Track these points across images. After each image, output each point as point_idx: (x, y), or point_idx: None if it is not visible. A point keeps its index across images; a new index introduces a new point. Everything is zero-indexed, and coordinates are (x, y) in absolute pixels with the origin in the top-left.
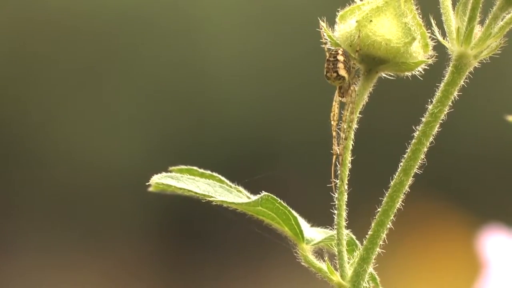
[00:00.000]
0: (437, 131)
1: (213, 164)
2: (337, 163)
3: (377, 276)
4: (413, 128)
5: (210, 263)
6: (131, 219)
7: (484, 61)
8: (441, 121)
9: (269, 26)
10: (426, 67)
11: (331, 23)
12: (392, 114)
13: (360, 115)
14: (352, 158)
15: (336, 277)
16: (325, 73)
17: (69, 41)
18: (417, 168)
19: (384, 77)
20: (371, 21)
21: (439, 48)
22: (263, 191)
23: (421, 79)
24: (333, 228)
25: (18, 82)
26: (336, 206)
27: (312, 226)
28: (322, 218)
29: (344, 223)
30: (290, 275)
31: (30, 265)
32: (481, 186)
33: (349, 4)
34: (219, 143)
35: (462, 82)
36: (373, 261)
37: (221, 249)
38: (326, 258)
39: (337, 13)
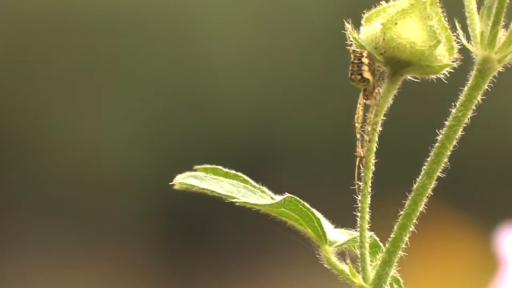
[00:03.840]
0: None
1: (213, 162)
2: (360, 165)
3: (400, 279)
4: (437, 131)
5: (211, 263)
6: (132, 219)
7: (508, 64)
8: (464, 125)
9: (271, 24)
10: (451, 70)
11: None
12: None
13: (384, 118)
14: (375, 160)
15: (358, 280)
16: (349, 75)
17: (68, 38)
18: (440, 172)
19: (409, 79)
20: (396, 23)
21: (465, 51)
22: (286, 193)
23: (446, 82)
24: (356, 229)
25: (16, 80)
26: (359, 208)
27: (336, 227)
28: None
29: (366, 226)
30: (290, 275)
31: (30, 265)
32: (484, 187)
33: (375, 6)
34: (219, 141)
35: (486, 86)
36: (395, 264)
37: (222, 249)
38: (348, 261)
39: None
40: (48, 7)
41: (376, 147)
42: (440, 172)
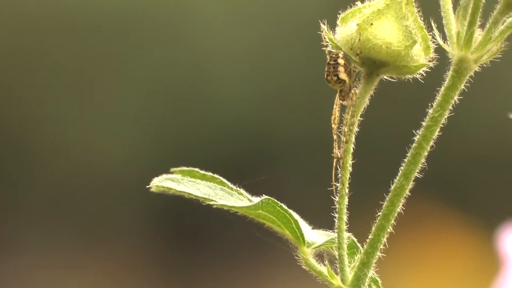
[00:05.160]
0: (436, 133)
1: (211, 162)
2: (338, 166)
3: (378, 279)
4: (414, 132)
5: (210, 263)
6: (131, 219)
7: (485, 64)
8: (442, 125)
9: (269, 23)
10: (427, 70)
11: (326, 24)
12: (392, 117)
13: (361, 118)
14: (352, 161)
15: (336, 281)
16: (325, 76)
17: (67, 38)
18: (418, 172)
19: (385, 80)
20: (371, 24)
21: (441, 51)
22: (263, 194)
23: (422, 82)
24: (334, 231)
25: (15, 80)
26: (337, 209)
27: (313, 228)
28: (321, 217)
29: (344, 227)
30: (288, 276)
31: (29, 265)
32: (479, 187)
33: (350, 6)
34: (217, 141)
35: (462, 86)
36: (374, 265)
37: (220, 250)
38: (326, 262)
39: (338, 15)
40: (47, 7)
41: (353, 148)
42: (418, 172)
